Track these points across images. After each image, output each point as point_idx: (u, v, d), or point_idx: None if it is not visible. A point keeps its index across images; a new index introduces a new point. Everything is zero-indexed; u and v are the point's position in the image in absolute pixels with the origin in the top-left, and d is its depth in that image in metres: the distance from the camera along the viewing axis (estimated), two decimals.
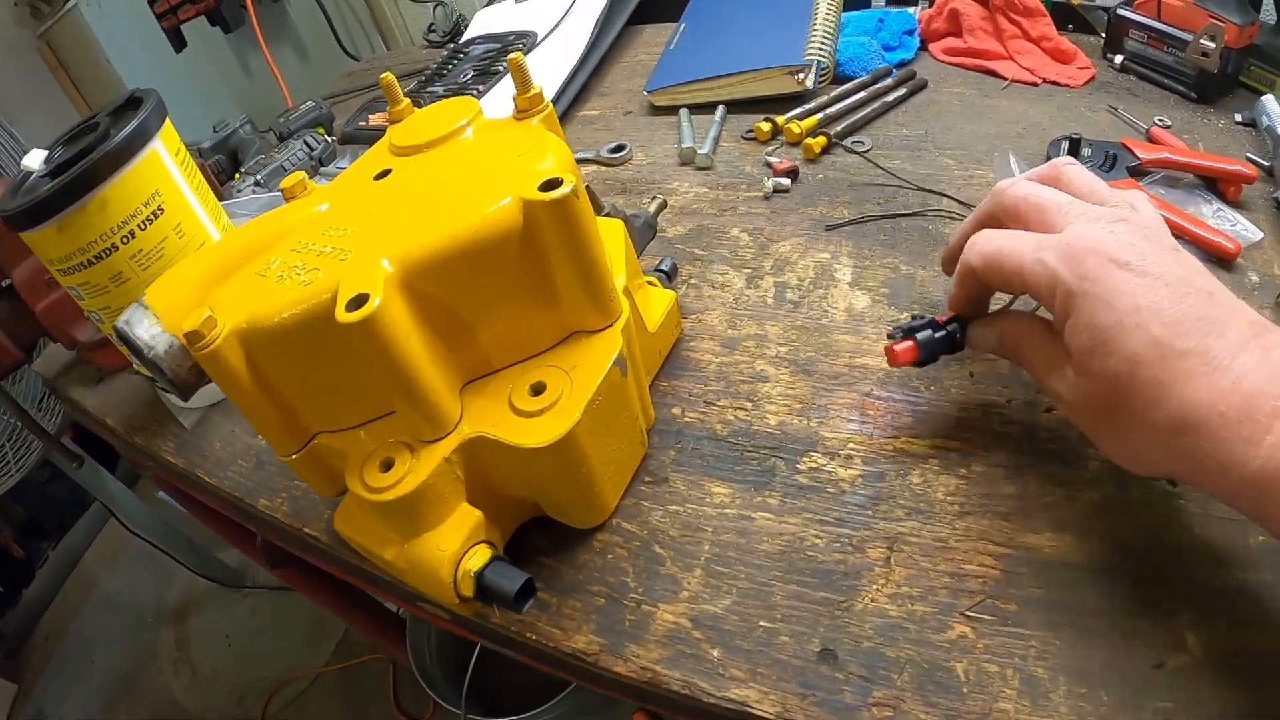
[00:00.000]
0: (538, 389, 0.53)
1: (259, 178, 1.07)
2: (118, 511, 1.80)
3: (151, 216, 0.72)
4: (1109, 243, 0.43)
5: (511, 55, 0.58)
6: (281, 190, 0.60)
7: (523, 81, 0.59)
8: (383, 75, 0.66)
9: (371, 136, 1.10)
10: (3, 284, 0.95)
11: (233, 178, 1.12)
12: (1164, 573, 0.49)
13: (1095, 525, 0.52)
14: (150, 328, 0.51)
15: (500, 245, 0.49)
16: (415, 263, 0.48)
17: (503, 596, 0.50)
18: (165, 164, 0.73)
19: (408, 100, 0.65)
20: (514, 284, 0.51)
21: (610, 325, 0.55)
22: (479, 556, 0.52)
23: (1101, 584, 0.49)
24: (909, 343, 0.57)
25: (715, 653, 0.52)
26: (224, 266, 0.55)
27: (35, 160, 0.74)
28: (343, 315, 0.45)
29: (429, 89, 1.16)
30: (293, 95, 1.45)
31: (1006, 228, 0.52)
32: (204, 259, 0.55)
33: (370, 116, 1.13)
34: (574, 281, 0.52)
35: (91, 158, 0.67)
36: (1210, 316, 0.40)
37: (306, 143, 1.11)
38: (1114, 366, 0.42)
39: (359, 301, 0.45)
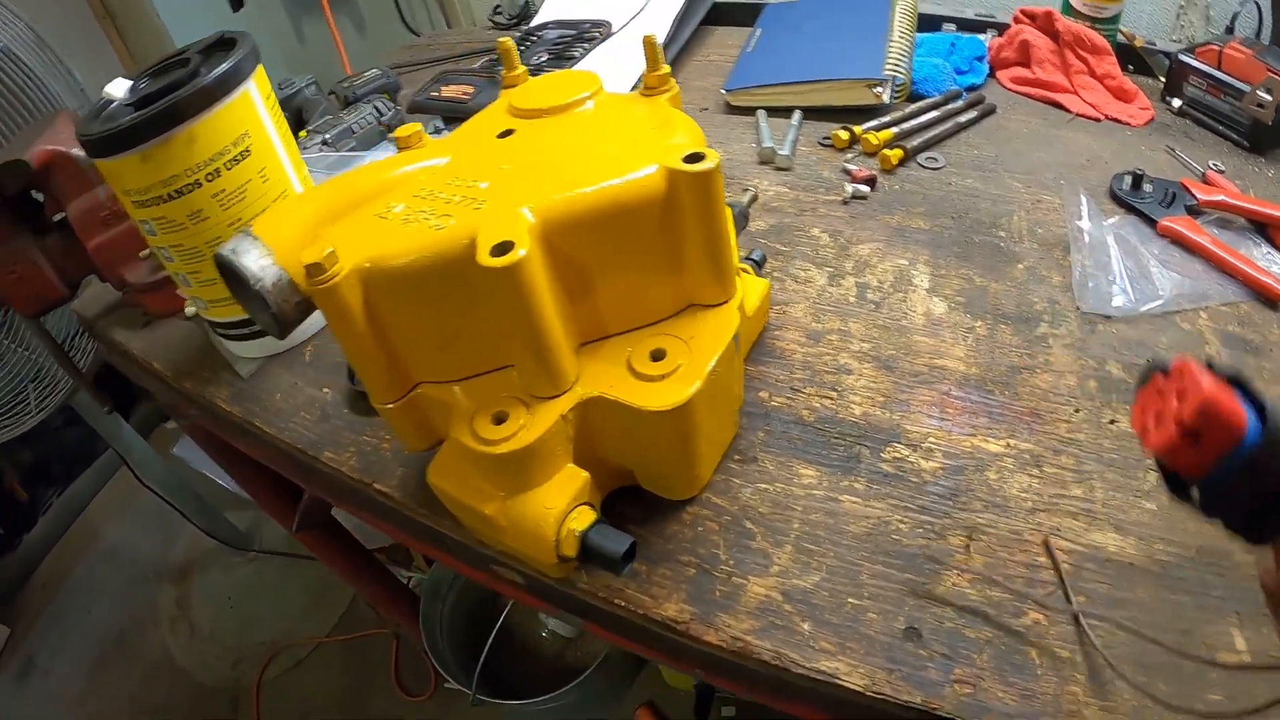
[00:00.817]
0: (658, 355, 0.52)
1: (327, 137, 1.06)
2: (131, 462, 1.77)
3: (238, 157, 0.71)
4: None
5: (646, 35, 0.58)
6: (395, 138, 0.59)
7: (654, 59, 0.59)
8: (500, 40, 0.66)
9: (443, 107, 1.09)
10: (56, 217, 0.94)
11: (296, 136, 1.11)
12: (1215, 577, 0.53)
13: (1153, 530, 0.55)
14: (260, 258, 0.49)
15: (641, 210, 0.49)
16: (556, 217, 0.48)
17: (606, 558, 0.49)
18: (256, 107, 0.72)
19: (524, 67, 0.65)
20: (644, 251, 0.51)
21: (726, 301, 0.55)
22: (583, 517, 0.51)
23: (1159, 584, 0.52)
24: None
25: (805, 626, 0.53)
26: (334, 207, 0.54)
27: (119, 89, 0.72)
28: (486, 260, 0.44)
29: (498, 68, 1.15)
30: (349, 65, 1.44)
31: None
32: (312, 198, 0.54)
33: (443, 88, 1.12)
34: (701, 254, 0.52)
35: (184, 91, 0.66)
36: None
37: (376, 108, 1.10)
38: None
39: (504, 248, 0.45)
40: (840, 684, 0.50)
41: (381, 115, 1.08)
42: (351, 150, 1.05)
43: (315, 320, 0.83)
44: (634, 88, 1.10)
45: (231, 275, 0.50)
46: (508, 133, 0.58)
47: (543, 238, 0.47)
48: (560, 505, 0.50)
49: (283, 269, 0.49)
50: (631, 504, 0.60)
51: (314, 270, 0.47)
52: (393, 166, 0.56)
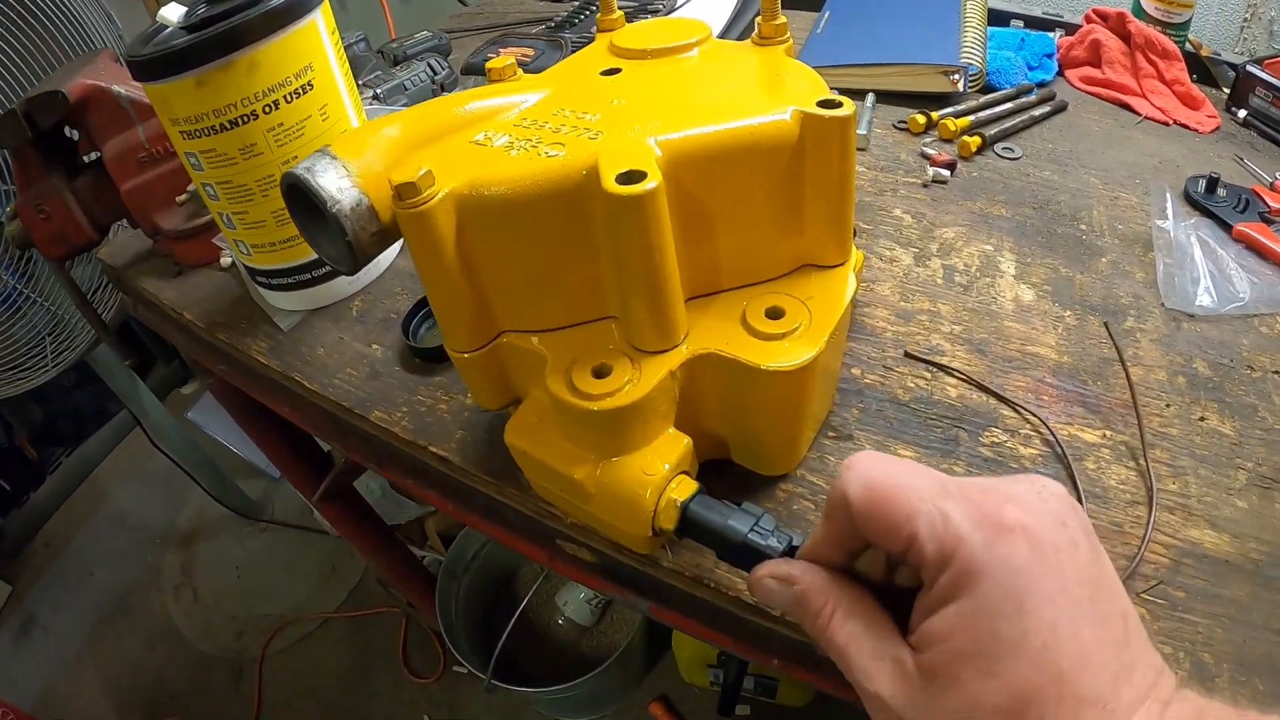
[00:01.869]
0: (776, 313, 0.46)
1: (379, 91, 1.01)
2: (146, 424, 1.71)
3: (300, 90, 0.65)
4: (1040, 515, 0.30)
5: None
6: (488, 69, 0.53)
7: (771, 9, 0.53)
8: None
9: None
10: (89, 157, 0.88)
11: None
12: None
13: (1246, 528, 0.52)
14: (339, 179, 0.42)
15: (772, 153, 0.43)
16: (684, 152, 0.42)
17: (718, 539, 0.43)
18: (322, 39, 0.66)
19: (621, 12, 0.59)
20: (768, 199, 0.45)
21: (844, 263, 0.49)
22: (685, 487, 0.45)
23: (1254, 581, 0.50)
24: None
25: None
26: (424, 132, 0.47)
27: (173, 14, 0.65)
28: (613, 187, 0.38)
29: (559, 34, 1.09)
30: (394, 31, 1.39)
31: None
32: (397, 120, 0.48)
33: (502, 50, 1.06)
34: (825, 209, 0.46)
35: (248, 13, 0.60)
36: (1122, 656, 0.29)
37: (430, 65, 1.04)
38: (990, 693, 0.28)
39: (633, 177, 0.39)
40: None
41: (435, 74, 1.03)
42: (403, 107, 0.99)
43: (367, 271, 0.79)
44: None
45: (302, 199, 0.44)
46: (613, 71, 0.52)
47: (668, 173, 0.41)
48: (661, 471, 0.44)
49: (363, 193, 0.43)
50: (718, 478, 0.54)
51: (406, 191, 0.41)
52: (485, 96, 0.50)
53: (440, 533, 1.65)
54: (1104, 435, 0.58)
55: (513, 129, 0.47)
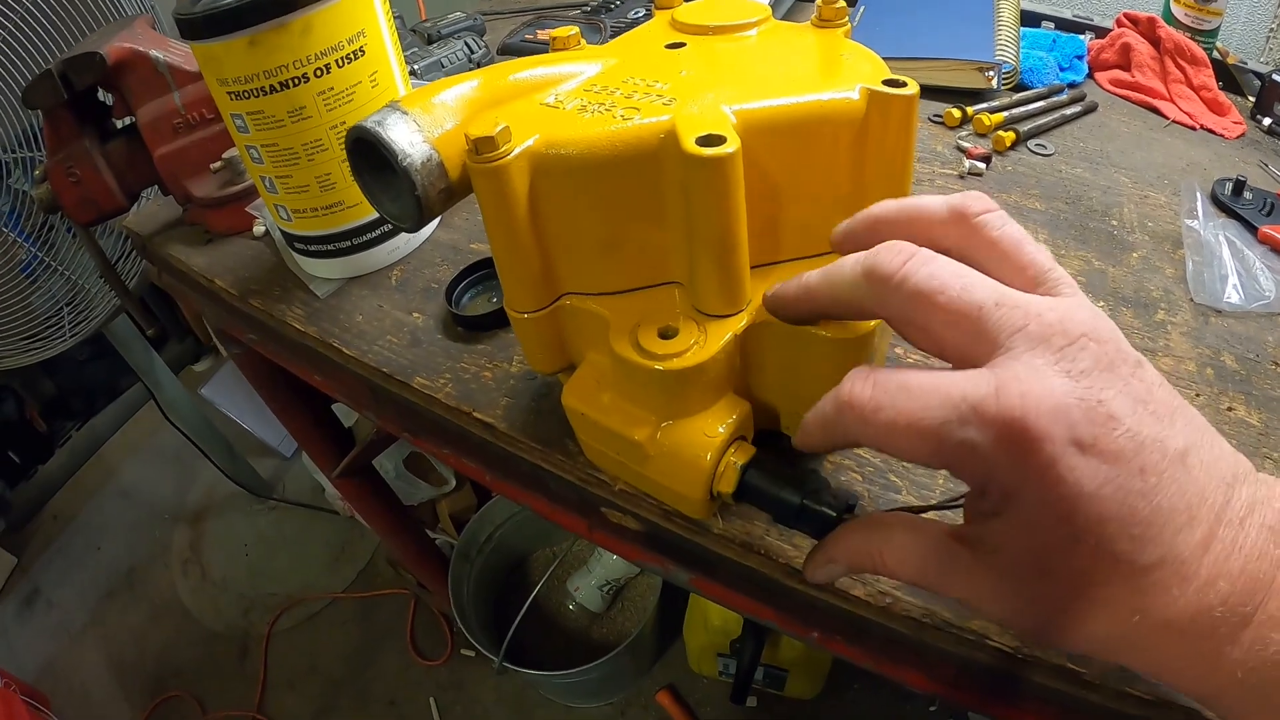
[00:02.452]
0: None
1: (415, 67, 1.01)
2: (159, 398, 1.71)
3: (352, 55, 0.66)
4: (1070, 406, 0.28)
5: None
6: (551, 37, 0.54)
7: None
8: None
9: (535, 51, 1.04)
10: (122, 123, 0.88)
11: None
12: None
13: None
14: (410, 133, 0.43)
15: (839, 128, 0.44)
16: (757, 121, 0.43)
17: (774, 501, 0.43)
18: (376, 6, 0.67)
19: None
20: (831, 174, 0.46)
21: None
22: (744, 452, 0.45)
23: None
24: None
25: None
26: (492, 93, 0.48)
27: None
28: (694, 148, 0.39)
29: (596, 17, 1.10)
30: (424, 11, 1.39)
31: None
32: (465, 79, 0.48)
33: (539, 32, 1.07)
34: (884, 185, 0.47)
35: None
36: (1184, 502, 0.28)
37: (467, 44, 1.04)
38: (1056, 588, 0.29)
39: (714, 140, 0.39)
40: (989, 644, 0.46)
41: (472, 53, 1.03)
42: None
43: (405, 242, 0.80)
44: None
45: (369, 153, 0.44)
46: (677, 45, 0.53)
47: (742, 142, 0.41)
48: (720, 434, 0.45)
49: (433, 148, 0.43)
50: (765, 447, 0.54)
51: (484, 145, 0.41)
52: (550, 63, 0.51)
53: (452, 515, 1.65)
54: None
55: (583, 94, 0.47)
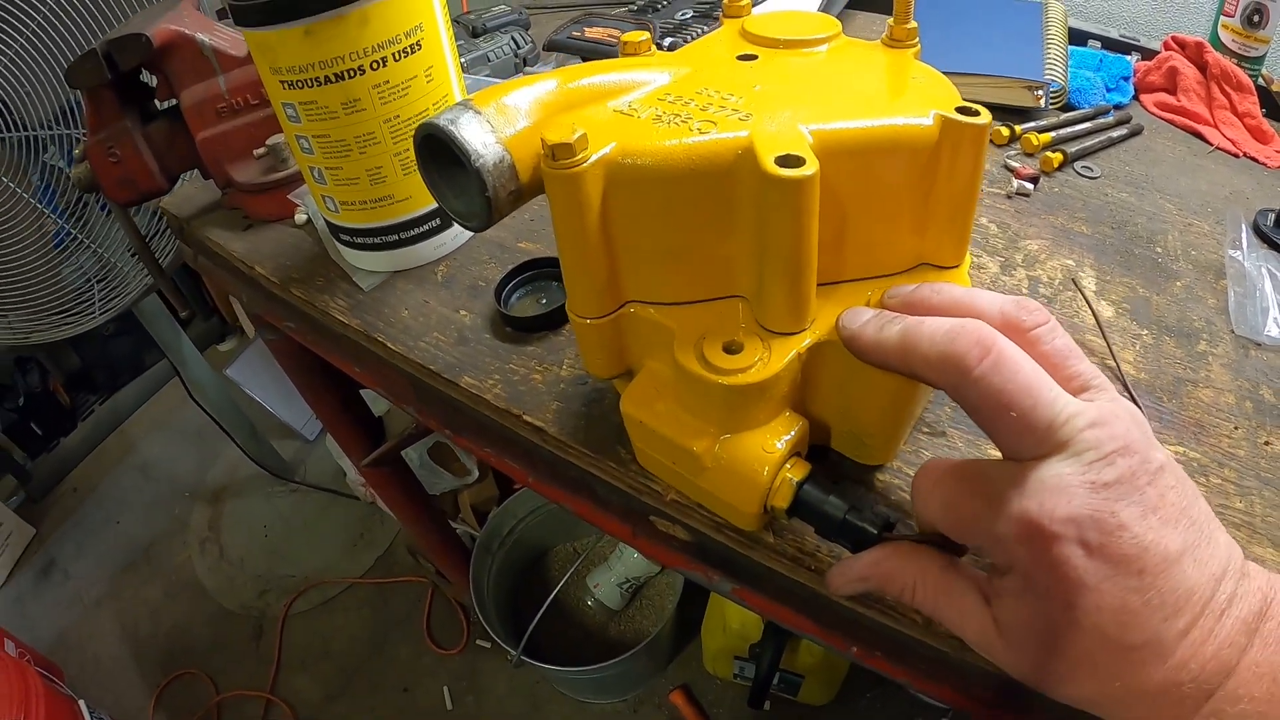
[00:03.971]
0: None
1: (463, 61, 1.01)
2: (186, 378, 1.72)
3: (409, 49, 0.66)
4: (1083, 517, 0.33)
5: None
6: (622, 42, 0.54)
7: (904, 12, 0.54)
8: None
9: (585, 48, 1.04)
10: (164, 104, 0.88)
11: None
12: None
13: None
14: (483, 134, 0.43)
15: (912, 153, 0.44)
16: (832, 143, 0.43)
17: (822, 517, 0.44)
18: (434, 1, 0.67)
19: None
20: (900, 197, 0.46)
21: (958, 265, 0.50)
22: (800, 468, 0.46)
23: None
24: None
25: None
26: (565, 96, 0.48)
27: None
28: (774, 169, 0.39)
29: (643, 18, 1.10)
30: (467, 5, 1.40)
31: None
32: (536, 81, 0.48)
33: (586, 29, 1.07)
34: (950, 211, 0.47)
35: None
36: (1174, 597, 0.33)
37: (514, 39, 1.05)
38: (1054, 653, 0.35)
39: (793, 161, 0.40)
40: None
41: (519, 48, 1.04)
42: (486, 78, 1.00)
43: (453, 238, 0.80)
44: None
45: (438, 150, 0.44)
46: (749, 56, 0.53)
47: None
48: (779, 450, 0.45)
49: (506, 150, 0.44)
50: (815, 463, 0.54)
51: (561, 151, 0.42)
52: (621, 69, 0.51)
53: (473, 506, 1.66)
54: (1178, 451, 0.59)
55: (657, 103, 0.48)
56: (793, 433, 0.46)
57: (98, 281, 1.54)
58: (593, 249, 0.46)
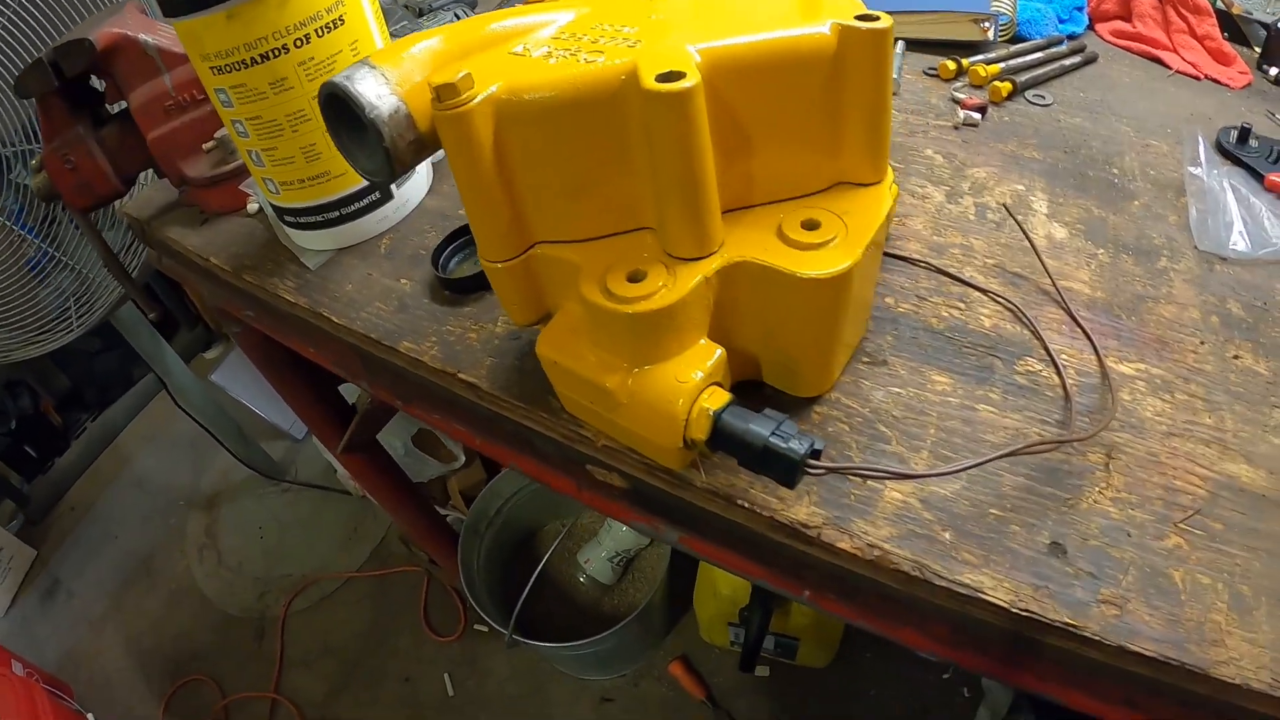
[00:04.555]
0: (812, 224, 0.46)
1: None
2: (169, 385, 1.72)
3: (332, 25, 0.65)
4: None
5: None
6: None
7: None
8: None
9: None
10: (115, 108, 0.88)
11: None
12: None
13: None
14: (377, 86, 0.43)
15: (810, 66, 0.44)
16: (723, 60, 0.42)
17: (743, 446, 0.43)
18: None
19: None
20: (804, 113, 0.45)
21: (879, 182, 0.49)
22: (717, 397, 0.45)
23: None
24: None
25: (947, 535, 0.48)
26: (463, 45, 0.48)
27: None
28: (653, 85, 0.38)
29: None
30: None
31: None
32: (437, 34, 0.48)
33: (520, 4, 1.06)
34: (862, 125, 0.46)
35: None
36: None
37: (456, 15, 1.04)
38: None
39: (673, 76, 0.39)
40: (984, 598, 0.45)
41: None
42: None
43: (395, 210, 0.79)
44: None
45: (341, 110, 0.44)
46: None
47: (706, 81, 0.41)
48: (694, 380, 0.44)
49: (401, 100, 0.43)
50: (748, 398, 0.53)
51: (446, 93, 0.41)
52: (522, 13, 0.50)
53: (462, 491, 1.65)
54: (1139, 369, 0.58)
55: (551, 41, 0.47)
56: (708, 362, 0.45)
57: (74, 298, 1.54)
58: (491, 189, 0.46)
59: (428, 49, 0.46)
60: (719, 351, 0.46)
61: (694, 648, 1.54)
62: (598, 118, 0.43)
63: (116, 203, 0.96)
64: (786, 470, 0.42)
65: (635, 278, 0.44)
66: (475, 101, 0.42)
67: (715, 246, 0.45)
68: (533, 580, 1.22)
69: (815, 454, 0.42)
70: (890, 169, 0.50)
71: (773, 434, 0.42)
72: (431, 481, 1.68)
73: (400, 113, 0.43)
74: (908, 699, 1.44)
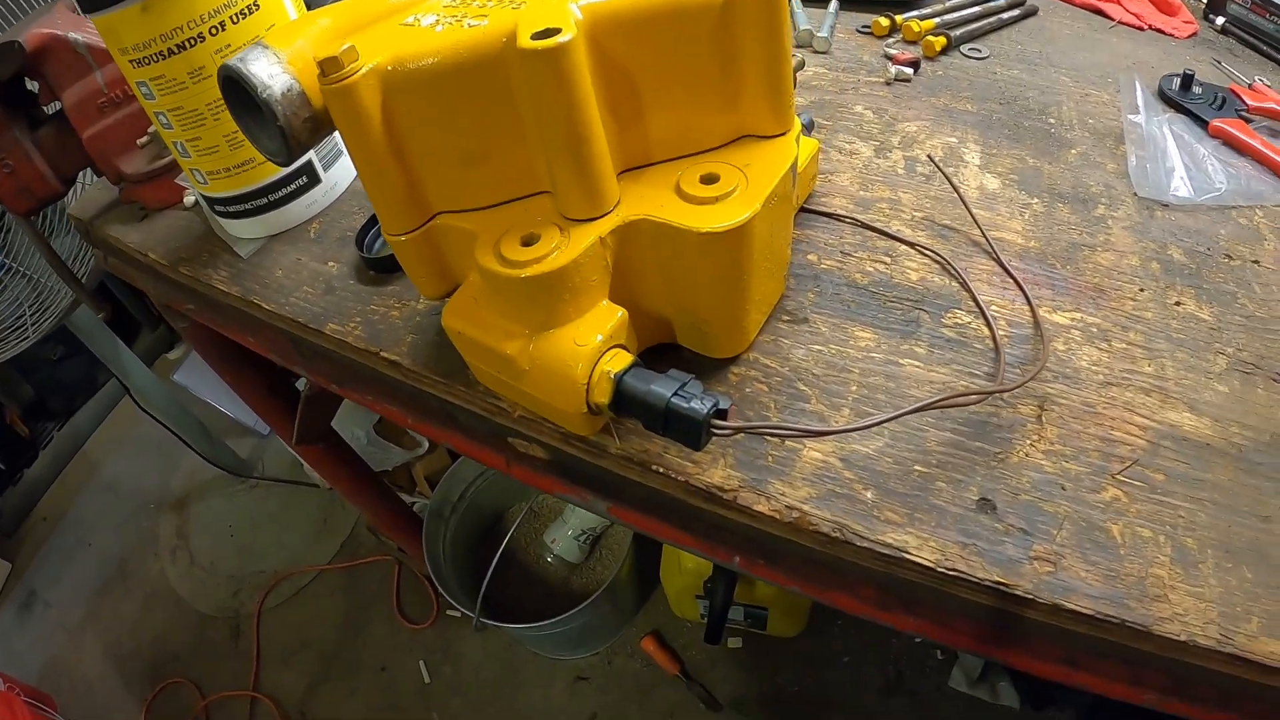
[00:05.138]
0: (710, 178, 0.44)
1: None
2: (130, 388, 1.70)
3: (246, 11, 0.64)
4: None
5: None
6: None
7: None
8: None
9: None
10: (51, 108, 0.86)
11: None
12: None
13: (1227, 413, 0.50)
14: (269, 65, 0.42)
15: (695, 17, 0.42)
16: (604, 14, 0.40)
17: (646, 408, 0.41)
18: None
19: None
20: (696, 66, 0.43)
21: (784, 133, 0.47)
22: (619, 359, 0.43)
23: (1237, 466, 0.47)
24: None
25: (869, 494, 0.46)
26: (356, 20, 0.46)
27: None
28: (527, 43, 0.37)
29: None
30: None
31: None
32: (329, 12, 0.46)
33: None
34: (760, 76, 0.44)
35: None
36: None
37: None
38: None
39: (548, 33, 0.37)
40: (909, 558, 0.44)
41: None
42: None
43: (323, 194, 0.78)
44: None
45: (239, 93, 0.43)
46: None
47: (590, 37, 0.39)
48: (593, 342, 0.43)
49: (294, 78, 0.42)
50: (665, 362, 0.52)
51: (329, 66, 0.40)
52: None
53: (428, 477, 1.64)
54: (1074, 318, 0.57)
55: (441, 9, 0.45)
56: (608, 324, 0.44)
57: (29, 305, 1.52)
58: (383, 161, 0.44)
59: (321, 26, 0.45)
60: (620, 313, 0.44)
61: (666, 623, 1.54)
62: (482, 82, 0.41)
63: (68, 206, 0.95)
64: (690, 431, 0.40)
65: (529, 241, 0.43)
66: (360, 74, 0.40)
67: (609, 206, 0.43)
68: (495, 561, 1.20)
69: (721, 414, 0.41)
70: (796, 120, 0.48)
71: (674, 394, 0.40)
72: (397, 469, 1.67)
73: (293, 91, 0.42)
74: (881, 663, 1.44)
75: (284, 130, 0.43)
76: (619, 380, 0.42)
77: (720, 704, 1.45)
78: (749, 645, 1.48)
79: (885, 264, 0.60)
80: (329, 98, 0.42)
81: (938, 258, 0.60)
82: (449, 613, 1.63)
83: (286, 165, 0.46)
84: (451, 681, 1.57)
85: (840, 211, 0.64)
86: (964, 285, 0.58)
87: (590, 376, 0.42)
